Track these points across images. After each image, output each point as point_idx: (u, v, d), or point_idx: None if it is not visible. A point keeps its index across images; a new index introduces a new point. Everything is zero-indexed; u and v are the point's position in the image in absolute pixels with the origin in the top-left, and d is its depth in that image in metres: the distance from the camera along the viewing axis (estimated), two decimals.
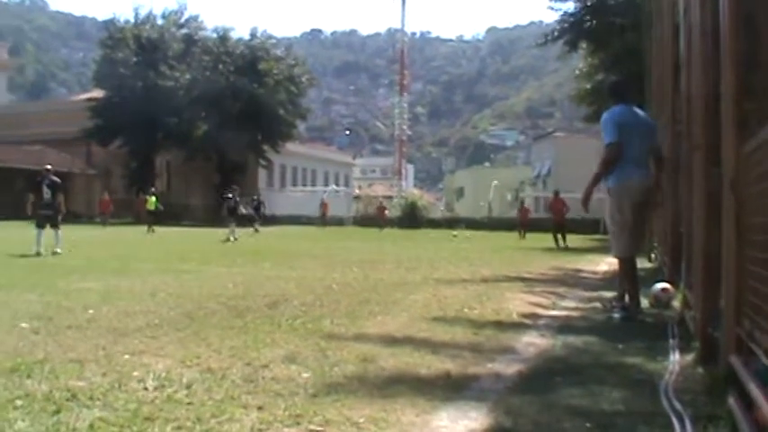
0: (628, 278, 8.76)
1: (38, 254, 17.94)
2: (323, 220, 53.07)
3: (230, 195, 34.47)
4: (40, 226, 19.35)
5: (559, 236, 28.23)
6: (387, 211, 55.39)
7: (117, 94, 58.30)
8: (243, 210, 36.54)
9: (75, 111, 62.05)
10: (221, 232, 32.83)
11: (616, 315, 8.58)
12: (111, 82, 59.19)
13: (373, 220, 54.39)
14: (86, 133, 59.12)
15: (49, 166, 20.46)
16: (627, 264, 8.74)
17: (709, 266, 5.79)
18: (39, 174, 20.43)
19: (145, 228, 38.22)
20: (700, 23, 6.19)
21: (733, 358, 4.36)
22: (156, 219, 40.87)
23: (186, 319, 7.90)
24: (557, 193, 31.97)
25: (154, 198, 42.42)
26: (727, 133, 4.67)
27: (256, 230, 37.78)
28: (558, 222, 29.76)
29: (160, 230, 38.38)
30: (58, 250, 18.74)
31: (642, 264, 11.80)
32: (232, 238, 29.75)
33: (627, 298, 8.69)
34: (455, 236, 30.28)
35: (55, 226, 19.55)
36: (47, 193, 19.89)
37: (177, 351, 6.11)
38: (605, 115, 8.61)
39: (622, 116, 8.42)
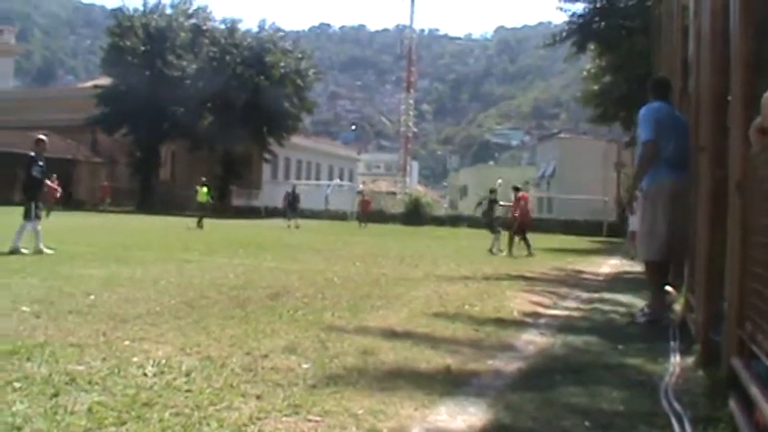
0: (654, 283, 8.59)
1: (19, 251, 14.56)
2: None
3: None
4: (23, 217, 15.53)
5: (520, 240, 23.21)
6: (371, 206, 52.38)
7: (124, 82, 58.35)
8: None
9: (82, 98, 62.16)
10: (223, 223, 32.89)
11: (640, 319, 8.38)
12: (118, 70, 59.27)
13: (378, 215, 53.84)
14: (92, 121, 59.09)
15: (39, 136, 16.56)
16: (655, 268, 8.53)
17: (711, 269, 5.78)
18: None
19: (193, 221, 33.27)
20: (710, 27, 6.18)
21: (734, 361, 4.35)
22: (207, 212, 35.71)
23: (187, 308, 7.91)
24: (517, 189, 25.35)
25: (205, 189, 36.56)
26: (735, 136, 4.66)
27: (297, 226, 37.28)
28: (524, 223, 23.85)
29: (163, 220, 38.36)
30: (23, 250, 14.56)
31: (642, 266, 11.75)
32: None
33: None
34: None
35: (25, 215, 15.46)
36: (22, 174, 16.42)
37: (177, 339, 6.11)
38: (644, 110, 8.38)
39: (661, 113, 8.19)
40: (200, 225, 31.68)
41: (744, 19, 4.68)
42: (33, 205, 15.60)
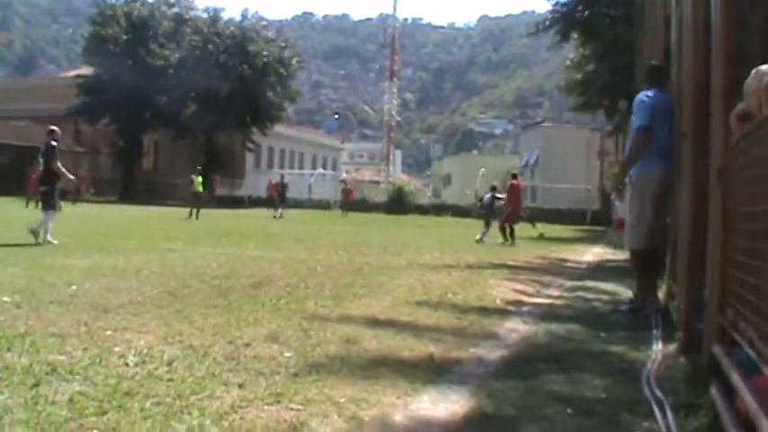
0: (639, 272, 8.62)
1: (42, 243, 14.64)
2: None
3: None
4: (42, 207, 15.86)
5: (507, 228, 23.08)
6: (352, 195, 51.81)
7: (106, 71, 58.11)
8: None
9: (64, 87, 61.88)
10: (207, 212, 32.84)
11: (623, 307, 8.47)
12: (100, 59, 58.99)
13: (362, 204, 53.85)
14: (74, 110, 58.80)
15: (51, 127, 16.48)
16: (641, 257, 8.52)
17: (693, 257, 5.80)
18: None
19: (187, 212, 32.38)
20: (691, 16, 6.18)
21: (716, 348, 4.37)
22: (201, 203, 34.38)
23: (169, 297, 7.88)
24: (514, 176, 25.49)
25: (200, 178, 35.29)
26: (716, 123, 4.67)
27: (281, 216, 37.27)
28: (515, 212, 23.62)
29: (145, 210, 38.26)
30: (49, 237, 14.84)
31: (625, 254, 11.79)
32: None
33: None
34: (541, 233, 28.06)
35: (45, 206, 15.71)
36: (39, 163, 16.60)
37: (159, 328, 6.09)
38: (640, 96, 8.27)
39: (657, 100, 8.05)
40: (192, 215, 31.20)
41: (725, 6, 4.69)
42: (55, 195, 15.86)
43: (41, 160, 16.26)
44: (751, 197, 3.48)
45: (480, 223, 24.08)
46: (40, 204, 16.29)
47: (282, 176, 45.72)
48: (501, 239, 22.35)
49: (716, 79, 4.79)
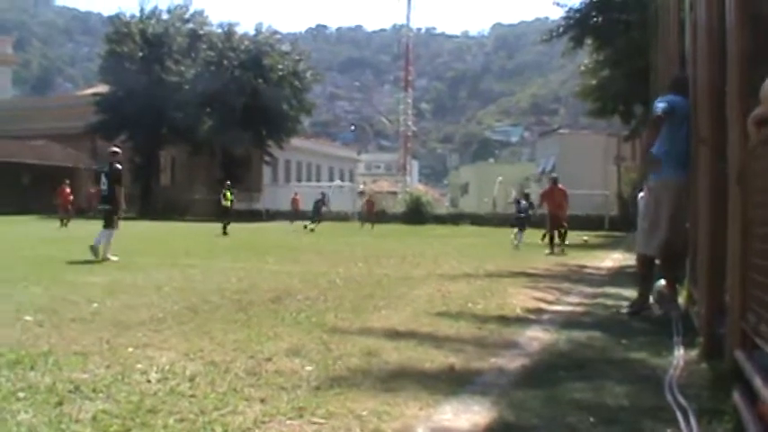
0: (643, 277, 8.65)
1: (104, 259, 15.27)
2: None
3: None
4: (104, 225, 16.23)
5: (555, 234, 22.76)
6: (375, 207, 50.63)
7: (122, 88, 58.23)
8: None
9: (81, 106, 62.19)
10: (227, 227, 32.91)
11: (623, 311, 8.58)
12: (116, 77, 59.14)
13: (379, 216, 53.66)
14: (91, 128, 59.01)
15: (115, 149, 17.37)
16: (649, 263, 8.59)
17: (713, 262, 5.78)
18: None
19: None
20: (706, 20, 6.18)
21: (738, 353, 4.35)
22: (231, 217, 33.14)
23: (190, 313, 7.91)
24: (555, 181, 24.76)
25: (229, 192, 34.22)
26: (734, 128, 4.66)
27: (312, 229, 36.88)
28: (556, 218, 23.12)
29: (164, 226, 38.36)
30: (109, 256, 15.41)
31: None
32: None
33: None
34: (585, 240, 28.15)
35: (107, 224, 16.16)
36: (103, 183, 16.79)
37: (181, 344, 6.11)
38: (658, 100, 8.24)
39: (677, 105, 7.94)
40: (224, 232, 30.56)
41: (740, 11, 4.68)
42: (117, 215, 16.53)
43: (105, 180, 16.69)
44: None
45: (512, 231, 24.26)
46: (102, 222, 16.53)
47: (324, 193, 45.86)
48: (548, 249, 22.12)
49: (732, 83, 4.78)
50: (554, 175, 24.84)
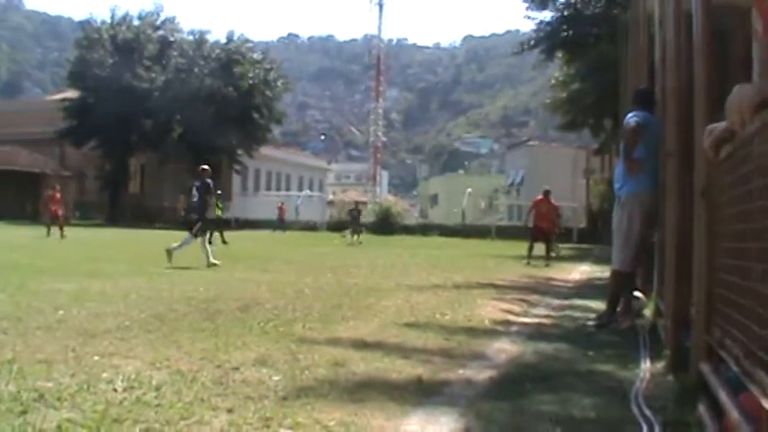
0: (613, 291, 8.70)
1: (212, 264, 16.75)
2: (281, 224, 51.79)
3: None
4: (193, 233, 17.78)
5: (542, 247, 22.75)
6: (361, 215, 47.02)
7: (92, 94, 57.92)
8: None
9: (50, 111, 61.64)
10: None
11: (590, 323, 8.62)
12: (85, 82, 58.82)
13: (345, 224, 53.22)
14: (60, 134, 58.69)
15: (204, 167, 19.11)
16: (623, 278, 8.62)
17: (680, 275, 5.82)
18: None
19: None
20: (673, 35, 6.23)
21: (703, 366, 4.38)
22: (222, 226, 32.33)
23: (157, 322, 7.85)
24: (546, 193, 24.02)
25: (218, 202, 31.27)
26: (700, 142, 4.70)
27: (360, 242, 36.24)
28: (539, 229, 23.21)
29: (133, 233, 38.09)
30: (214, 261, 17.02)
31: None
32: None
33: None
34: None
35: (196, 233, 17.73)
36: (194, 195, 18.51)
37: (147, 353, 6.07)
38: (629, 116, 8.36)
39: (646, 121, 8.12)
40: (223, 241, 30.21)
41: (706, 26, 4.73)
42: (203, 225, 18.05)
43: (196, 193, 18.32)
44: (736, 215, 3.51)
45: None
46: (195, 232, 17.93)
47: (357, 203, 45.71)
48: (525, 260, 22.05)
49: (699, 98, 4.82)
50: (546, 187, 24.55)
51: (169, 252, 16.80)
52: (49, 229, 31.16)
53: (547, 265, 21.24)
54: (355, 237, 37.52)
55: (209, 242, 19.55)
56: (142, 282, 12.53)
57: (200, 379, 5.16)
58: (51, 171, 60.10)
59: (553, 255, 23.03)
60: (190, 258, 17.00)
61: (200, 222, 17.89)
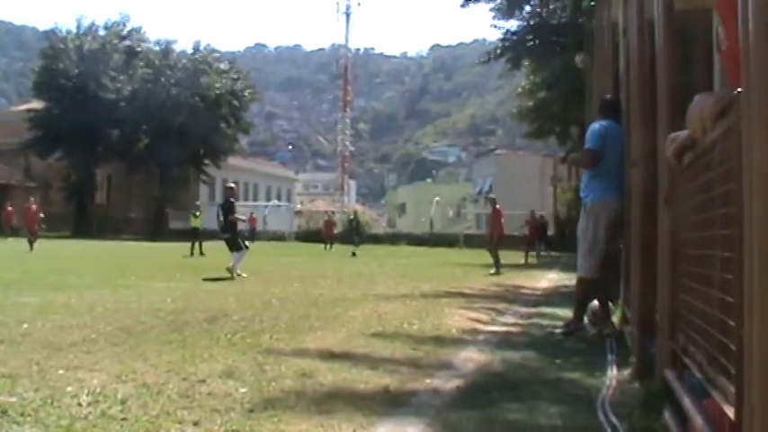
0: (580, 299, 8.75)
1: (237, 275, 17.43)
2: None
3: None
4: (232, 249, 18.82)
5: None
6: (335, 227, 48.63)
7: (57, 105, 57.64)
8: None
9: (14, 121, 61.26)
10: (160, 246, 32.51)
11: (558, 331, 8.62)
12: (51, 93, 58.53)
13: (317, 235, 52.92)
14: (25, 145, 58.33)
15: (230, 185, 21.37)
16: (589, 285, 8.64)
17: (645, 282, 5.85)
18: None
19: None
20: (637, 44, 6.28)
21: (668, 372, 4.40)
22: (201, 237, 32.76)
23: (123, 334, 7.79)
24: (492, 201, 25.14)
25: (198, 213, 34.43)
26: (662, 151, 4.73)
27: (354, 254, 35.02)
28: (499, 236, 23.61)
29: (99, 245, 37.83)
30: (241, 273, 17.68)
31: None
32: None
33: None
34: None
35: (235, 248, 18.67)
36: (220, 215, 19.57)
37: (113, 366, 6.02)
38: (593, 124, 8.48)
39: (609, 130, 8.20)
40: (201, 252, 30.77)
41: (669, 36, 4.76)
42: (239, 238, 19.15)
43: (220, 212, 19.57)
44: (699, 223, 3.53)
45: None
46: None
47: (356, 211, 45.59)
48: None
49: (661, 106, 4.86)
50: (491, 195, 24.69)
51: (230, 270, 17.44)
52: (31, 245, 30.66)
53: (493, 274, 21.11)
54: (352, 247, 37.20)
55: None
56: (108, 294, 12.44)
57: (167, 392, 5.13)
58: (16, 182, 59.68)
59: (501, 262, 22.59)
60: (220, 269, 17.16)
61: (234, 238, 18.97)
